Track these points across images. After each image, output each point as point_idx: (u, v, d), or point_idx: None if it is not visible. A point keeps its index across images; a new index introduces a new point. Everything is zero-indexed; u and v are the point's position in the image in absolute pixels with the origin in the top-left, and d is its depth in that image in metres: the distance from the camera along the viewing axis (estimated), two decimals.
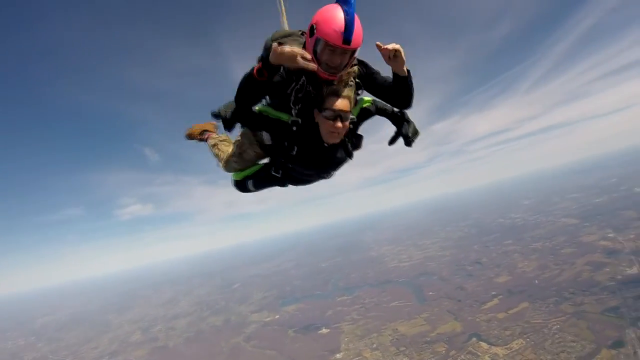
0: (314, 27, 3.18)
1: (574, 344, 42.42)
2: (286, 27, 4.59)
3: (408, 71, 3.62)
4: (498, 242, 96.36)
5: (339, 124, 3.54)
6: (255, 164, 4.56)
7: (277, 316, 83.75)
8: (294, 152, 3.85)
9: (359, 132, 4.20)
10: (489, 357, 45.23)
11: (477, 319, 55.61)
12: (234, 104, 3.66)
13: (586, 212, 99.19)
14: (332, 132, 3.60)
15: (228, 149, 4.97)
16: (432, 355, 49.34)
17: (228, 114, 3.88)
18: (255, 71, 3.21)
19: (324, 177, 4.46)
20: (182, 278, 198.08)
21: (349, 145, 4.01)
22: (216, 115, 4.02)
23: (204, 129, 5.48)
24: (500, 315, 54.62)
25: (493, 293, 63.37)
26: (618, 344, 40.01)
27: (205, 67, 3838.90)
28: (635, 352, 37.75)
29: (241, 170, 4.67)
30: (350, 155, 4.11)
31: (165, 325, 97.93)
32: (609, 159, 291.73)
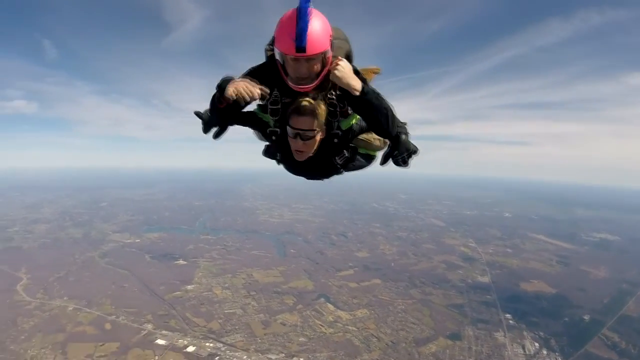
0: (274, 37, 2.88)
1: (415, 326, 47.31)
2: None
3: (364, 89, 2.99)
4: (367, 223, 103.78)
5: (299, 142, 3.26)
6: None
7: (137, 240, 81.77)
8: (278, 157, 4.02)
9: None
10: (332, 318, 48.71)
11: (330, 283, 59.42)
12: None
13: (455, 220, 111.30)
14: (295, 150, 3.37)
15: None
16: (279, 305, 51.61)
17: (206, 118, 3.57)
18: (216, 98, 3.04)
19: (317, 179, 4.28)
20: (51, 187, 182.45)
21: (337, 159, 3.69)
22: (198, 116, 3.64)
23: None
24: (352, 285, 59.06)
25: (350, 264, 68.24)
26: (455, 336, 45.28)
27: None
28: (470, 348, 42.84)
29: None
30: (337, 170, 3.91)
31: (23, 228, 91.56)
32: (491, 183, 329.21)
